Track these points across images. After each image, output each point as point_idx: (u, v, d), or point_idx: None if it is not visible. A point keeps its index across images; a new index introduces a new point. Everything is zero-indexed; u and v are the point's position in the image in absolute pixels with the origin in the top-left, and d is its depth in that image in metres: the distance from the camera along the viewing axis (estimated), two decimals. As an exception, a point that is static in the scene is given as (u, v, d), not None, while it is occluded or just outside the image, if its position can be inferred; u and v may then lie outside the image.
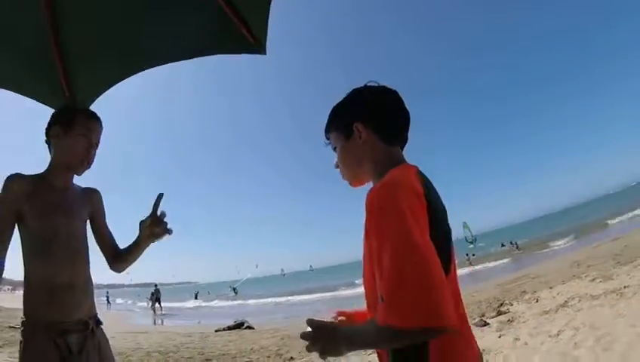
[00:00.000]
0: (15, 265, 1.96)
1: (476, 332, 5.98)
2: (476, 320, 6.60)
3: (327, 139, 1.34)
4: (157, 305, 28.38)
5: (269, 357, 7.26)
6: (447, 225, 1.11)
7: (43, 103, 1.97)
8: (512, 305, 7.56)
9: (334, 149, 1.31)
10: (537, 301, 7.26)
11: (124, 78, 2.00)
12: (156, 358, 8.15)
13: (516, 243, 32.21)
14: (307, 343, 1.09)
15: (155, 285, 30.54)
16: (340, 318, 1.38)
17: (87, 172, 1.77)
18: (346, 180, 1.32)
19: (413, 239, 0.88)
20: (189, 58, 1.95)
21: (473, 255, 31.06)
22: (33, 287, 1.66)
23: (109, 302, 38.24)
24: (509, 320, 6.21)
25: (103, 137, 1.77)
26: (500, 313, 6.92)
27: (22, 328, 1.66)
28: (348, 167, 1.28)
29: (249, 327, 13.04)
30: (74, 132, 1.69)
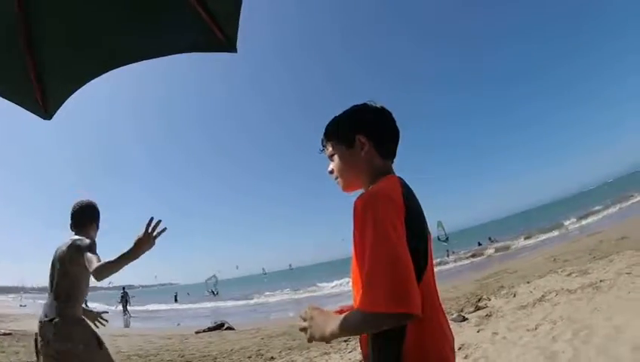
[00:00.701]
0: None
1: (455, 327, 6.01)
2: (454, 315, 6.65)
3: (323, 146, 1.49)
4: (125, 308, 28.03)
5: (249, 357, 7.19)
6: (425, 228, 1.28)
7: (19, 105, 1.92)
8: (489, 300, 7.63)
9: (331, 156, 1.45)
10: (515, 296, 7.33)
11: (95, 78, 1.95)
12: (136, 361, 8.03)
13: (494, 240, 32.67)
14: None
15: (123, 288, 30.24)
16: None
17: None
18: (340, 185, 1.46)
19: (387, 240, 1.06)
20: (158, 56, 1.90)
21: (453, 252, 31.43)
22: None
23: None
24: (487, 315, 6.27)
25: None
26: (478, 308, 6.98)
27: None
28: (345, 174, 1.42)
29: (229, 328, 12.95)
30: None
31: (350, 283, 1.34)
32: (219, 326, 13.09)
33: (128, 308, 28.50)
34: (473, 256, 27.99)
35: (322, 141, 1.49)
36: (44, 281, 2.88)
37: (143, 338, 12.19)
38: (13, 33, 1.67)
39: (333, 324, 1.16)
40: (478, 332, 5.42)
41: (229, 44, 1.78)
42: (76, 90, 1.97)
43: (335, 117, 1.46)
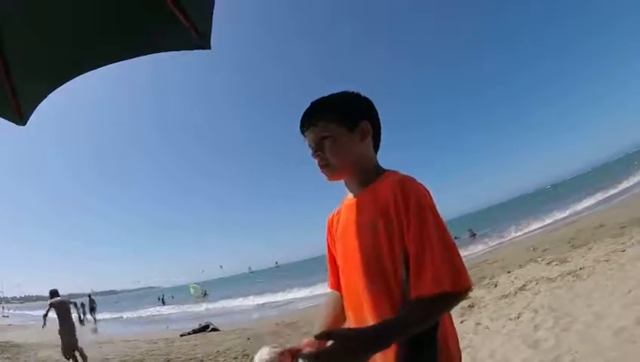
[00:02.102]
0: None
1: (439, 319, 6.11)
2: (437, 306, 6.73)
3: (308, 127, 1.30)
4: (91, 315, 26.96)
5: (235, 358, 7.16)
6: None
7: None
8: (471, 290, 7.69)
9: (322, 138, 1.27)
10: (496, 286, 7.43)
11: (69, 80, 1.87)
12: (122, 368, 7.94)
13: (473, 231, 32.90)
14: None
15: (89, 295, 29.23)
16: (306, 347, 1.18)
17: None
18: (327, 171, 1.29)
19: (445, 226, 1.09)
20: (132, 57, 1.82)
21: (475, 231, 31.27)
22: None
23: (83, 313, 32.01)
24: (469, 306, 6.34)
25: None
26: (460, 299, 7.03)
27: None
28: (339, 157, 1.26)
29: (214, 329, 12.83)
30: None
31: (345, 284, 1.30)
32: (204, 328, 12.97)
33: (95, 315, 27.91)
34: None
35: (309, 119, 1.30)
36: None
37: (129, 344, 12.06)
38: None
39: (377, 337, 0.99)
40: (461, 322, 5.49)
41: (203, 42, 1.71)
42: (50, 92, 1.89)
43: (326, 98, 1.31)
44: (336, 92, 1.32)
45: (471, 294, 7.23)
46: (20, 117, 1.85)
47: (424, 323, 1.03)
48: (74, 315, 8.75)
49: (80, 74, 1.85)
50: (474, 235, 31.61)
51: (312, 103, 1.31)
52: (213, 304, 28.70)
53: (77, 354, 8.08)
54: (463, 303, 6.58)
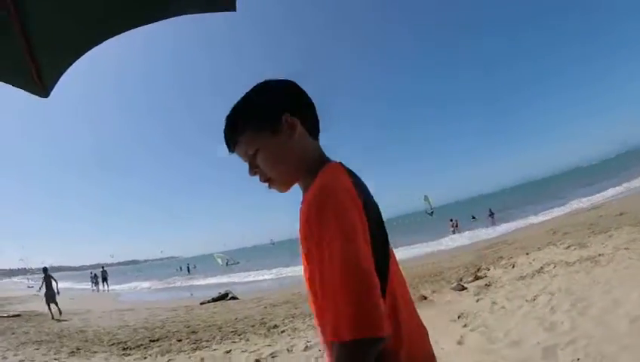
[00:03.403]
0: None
1: (454, 296, 6.19)
2: (454, 284, 6.80)
3: (233, 145, 1.12)
4: (104, 285, 30.92)
5: (253, 326, 7.33)
6: (382, 221, 1.04)
7: (14, 85, 1.84)
8: (488, 270, 7.76)
9: (252, 154, 1.09)
10: (514, 266, 7.44)
11: (92, 48, 1.85)
12: (142, 334, 8.22)
13: (492, 212, 32.47)
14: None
15: (102, 266, 32.94)
16: None
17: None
18: (274, 186, 1.13)
19: (358, 261, 0.86)
20: (158, 20, 1.76)
21: (457, 220, 30.93)
22: None
23: (96, 283, 32.27)
24: (486, 285, 6.39)
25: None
26: (477, 278, 7.10)
27: None
28: (280, 169, 1.09)
29: (233, 298, 13.17)
30: None
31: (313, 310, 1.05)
32: (223, 297, 13.31)
33: (108, 284, 31.16)
34: (472, 227, 27.95)
35: (229, 138, 1.12)
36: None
37: (150, 311, 12.48)
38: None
39: None
40: (477, 301, 5.54)
41: (229, 3, 1.67)
42: (73, 62, 1.89)
43: (241, 101, 1.12)
44: (246, 92, 1.13)
45: (488, 273, 7.30)
46: (44, 88, 1.87)
47: None
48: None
49: (102, 42, 1.84)
50: (492, 215, 31.30)
51: (226, 118, 1.13)
52: (234, 274, 29.31)
53: (53, 306, 13.50)
54: (479, 282, 6.64)
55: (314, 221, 0.92)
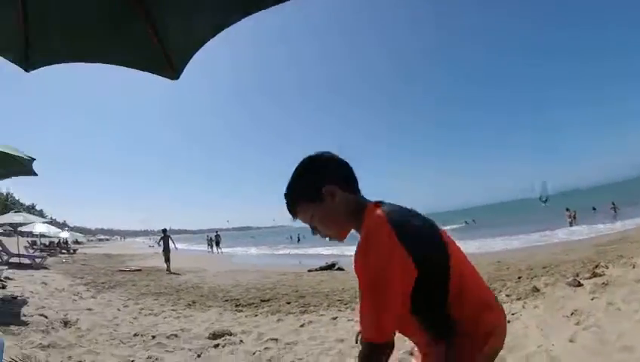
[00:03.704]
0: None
1: (569, 292, 6.02)
2: (570, 279, 6.56)
3: (295, 215, 1.48)
4: (218, 248, 34.56)
5: (358, 297, 7.65)
6: (433, 233, 1.35)
7: (148, 71, 2.07)
8: (607, 268, 7.30)
9: (310, 220, 1.45)
10: (634, 267, 6.93)
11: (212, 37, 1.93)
12: (254, 294, 9.06)
13: (615, 205, 29.54)
14: None
15: (216, 231, 37.47)
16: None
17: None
18: (334, 239, 1.48)
19: (377, 284, 1.22)
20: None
21: (574, 211, 28.58)
22: None
23: (211, 246, 36.50)
24: (603, 284, 6.06)
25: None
26: (594, 275, 6.75)
27: None
28: (330, 228, 1.45)
29: (340, 269, 13.69)
30: None
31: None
32: (330, 267, 13.91)
33: (220, 247, 35.01)
34: (591, 220, 25.74)
35: (290, 210, 1.49)
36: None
37: (261, 273, 13.53)
38: (127, 4, 1.74)
39: None
40: (592, 300, 5.34)
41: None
42: (196, 51, 2.01)
43: (289, 185, 1.47)
44: (294, 170, 1.47)
45: (606, 271, 6.89)
46: (174, 72, 2.06)
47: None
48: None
49: (218, 33, 1.89)
50: (615, 209, 28.67)
51: (284, 196, 1.48)
52: (343, 245, 30.15)
53: (168, 263, 15.93)
54: (597, 280, 6.31)
55: (359, 267, 1.26)
